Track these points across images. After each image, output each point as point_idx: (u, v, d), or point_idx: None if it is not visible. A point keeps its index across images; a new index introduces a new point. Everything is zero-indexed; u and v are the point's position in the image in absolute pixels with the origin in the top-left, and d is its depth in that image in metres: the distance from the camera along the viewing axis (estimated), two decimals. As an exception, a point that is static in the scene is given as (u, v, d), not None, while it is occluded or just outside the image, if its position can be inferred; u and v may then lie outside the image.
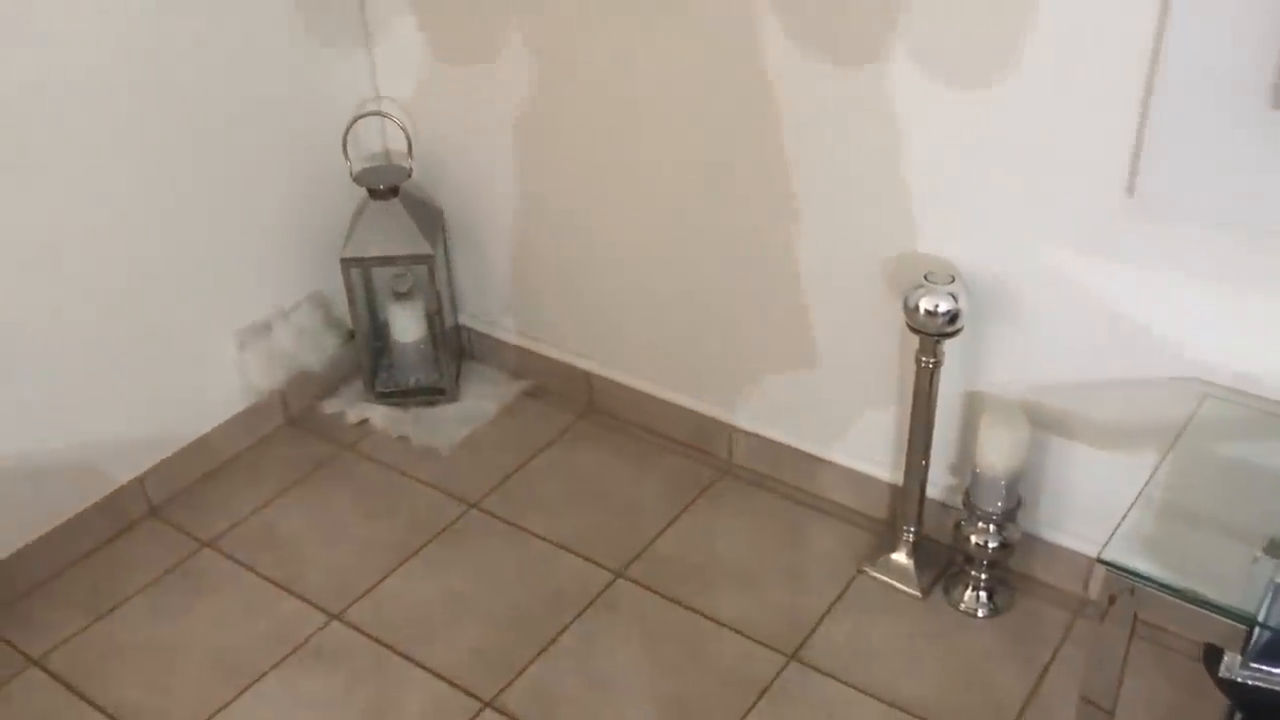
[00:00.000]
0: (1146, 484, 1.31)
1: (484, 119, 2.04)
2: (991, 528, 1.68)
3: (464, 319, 2.34)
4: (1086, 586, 1.74)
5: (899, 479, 1.82)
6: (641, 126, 1.84)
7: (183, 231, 1.92)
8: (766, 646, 1.70)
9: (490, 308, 2.28)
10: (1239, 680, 1.19)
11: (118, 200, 1.80)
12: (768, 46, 1.63)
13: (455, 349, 2.32)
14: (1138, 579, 1.20)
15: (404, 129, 2.11)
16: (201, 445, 2.05)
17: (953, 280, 1.58)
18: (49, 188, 1.71)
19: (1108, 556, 1.22)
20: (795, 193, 1.73)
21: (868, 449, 1.88)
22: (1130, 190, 1.43)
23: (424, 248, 2.07)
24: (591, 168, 1.95)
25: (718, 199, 1.82)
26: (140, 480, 1.97)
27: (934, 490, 1.81)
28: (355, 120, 2.09)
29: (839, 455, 1.92)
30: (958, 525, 1.73)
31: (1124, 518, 1.26)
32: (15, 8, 1.59)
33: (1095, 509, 1.64)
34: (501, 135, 2.03)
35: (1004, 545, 1.70)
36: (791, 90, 1.65)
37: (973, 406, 1.72)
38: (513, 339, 2.28)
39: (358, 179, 2.09)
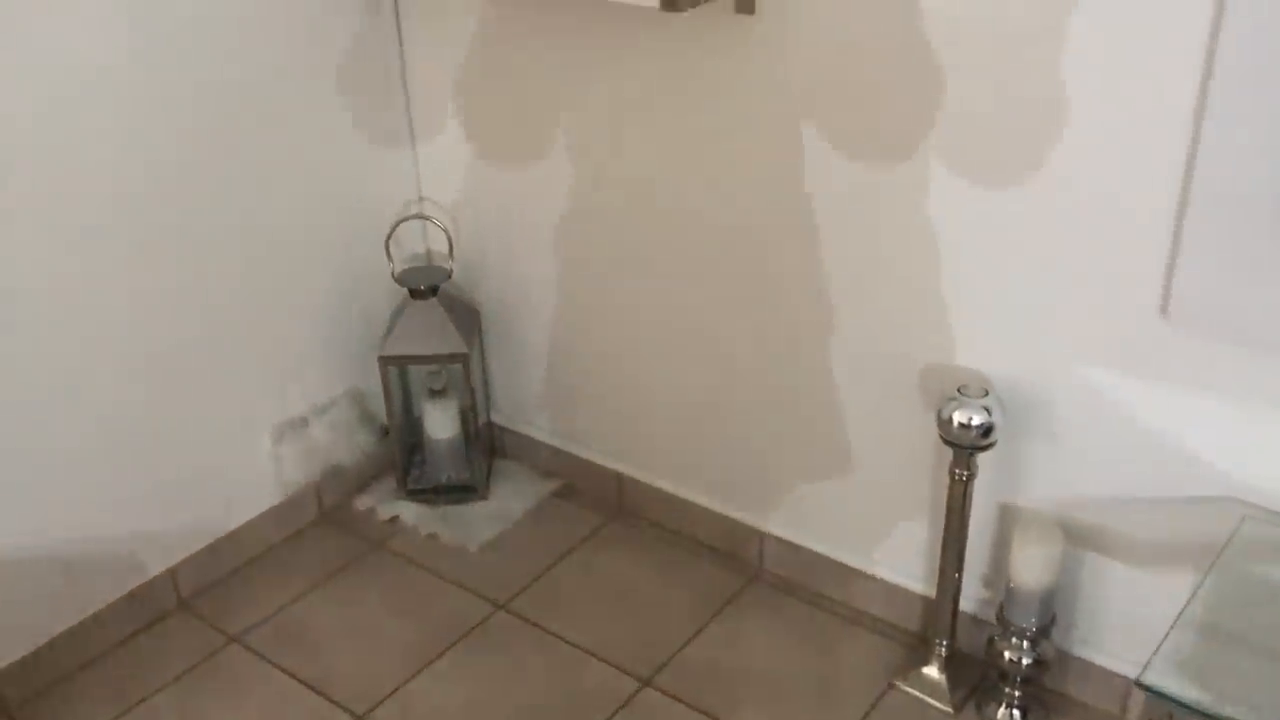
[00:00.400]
0: (1186, 605, 1.30)
1: (523, 221, 2.09)
2: (1025, 644, 1.66)
3: (496, 417, 2.36)
4: (1124, 708, 1.71)
5: (932, 591, 1.80)
6: (677, 230, 1.88)
7: (223, 324, 1.96)
8: (796, 761, 1.67)
9: (523, 406, 2.30)
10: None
11: (159, 291, 1.84)
12: (805, 151, 1.67)
13: (487, 447, 2.34)
14: (1178, 705, 1.18)
15: (445, 231, 2.16)
16: (234, 538, 2.06)
17: (986, 394, 1.58)
18: (90, 277, 1.75)
19: (1147, 680, 1.20)
20: (830, 299, 1.75)
21: (900, 559, 1.87)
22: (1164, 308, 1.44)
23: (460, 347, 2.11)
24: (627, 270, 1.99)
25: (753, 303, 1.85)
26: (171, 572, 1.97)
27: (967, 604, 1.79)
28: (399, 223, 2.14)
29: (871, 565, 1.91)
30: (991, 640, 1.70)
31: (1164, 640, 1.24)
32: (70, 105, 1.65)
33: (1132, 628, 1.62)
34: (540, 237, 2.07)
35: (1038, 662, 1.67)
36: (827, 195, 1.69)
37: (1007, 520, 1.71)
38: (544, 438, 2.29)
39: (399, 279, 2.13)
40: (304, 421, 2.14)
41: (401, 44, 2.08)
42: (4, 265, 1.64)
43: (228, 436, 2.02)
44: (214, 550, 2.03)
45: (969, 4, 1.44)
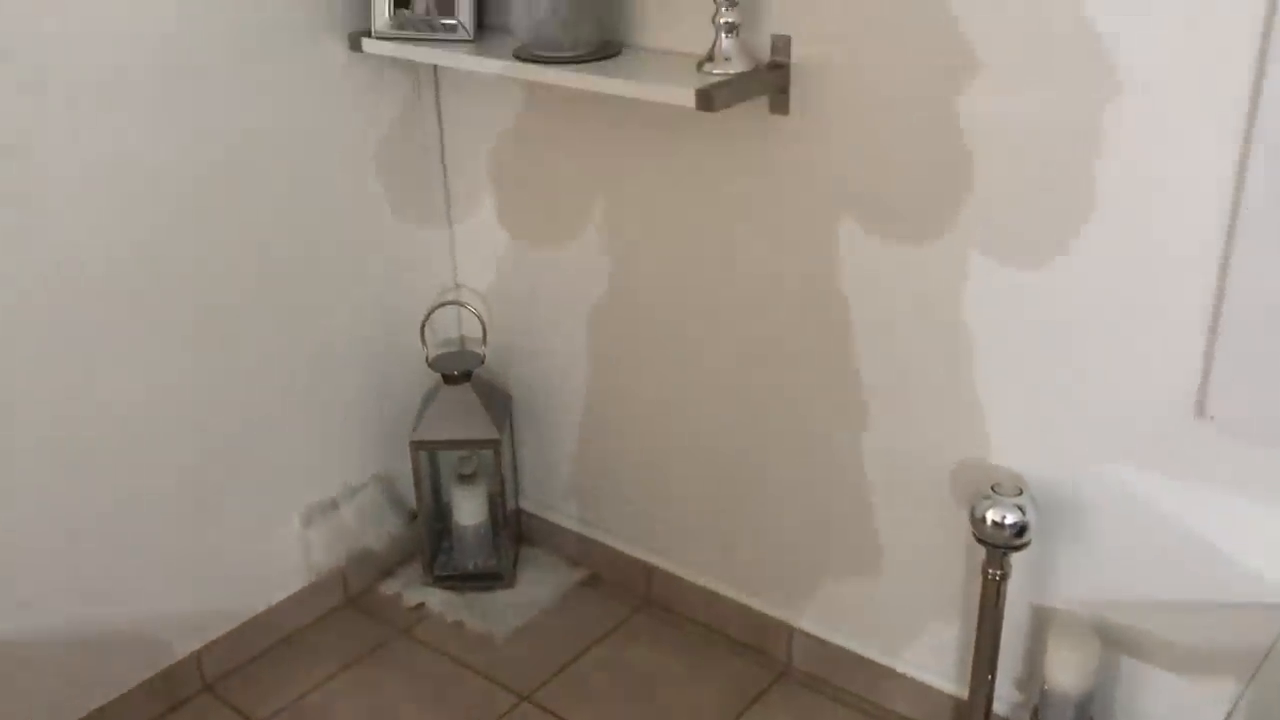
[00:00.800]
0: (1230, 716, 1.27)
1: (555, 307, 2.11)
2: (1062, 751, 1.62)
3: (524, 503, 2.35)
4: (1164, 820, 1.66)
5: (963, 692, 1.77)
6: (708, 322, 1.90)
7: (257, 405, 1.98)
8: None
9: (551, 493, 2.30)
10: None
11: (194, 371, 1.87)
12: (837, 246, 1.69)
13: (514, 534, 2.33)
14: (1223, 821, 1.15)
15: (480, 317, 2.19)
16: (260, 621, 2.06)
17: (1020, 493, 1.57)
18: (122, 354, 1.77)
19: (1190, 795, 1.17)
20: (861, 394, 1.75)
21: (931, 658, 1.84)
22: (1200, 409, 1.44)
23: (491, 433, 2.12)
24: (658, 359, 2.00)
25: (784, 395, 1.85)
26: (197, 655, 1.97)
27: (1000, 706, 1.76)
28: (434, 309, 2.17)
29: (901, 663, 1.88)
30: (1026, 746, 1.67)
31: (1206, 753, 1.21)
32: (104, 184, 1.70)
33: (1172, 737, 1.58)
34: (571, 325, 2.10)
35: (1075, 770, 1.63)
36: (859, 290, 1.70)
37: (1041, 622, 1.69)
38: (572, 526, 2.28)
39: (433, 364, 2.15)
40: (334, 504, 2.14)
41: (442, 130, 2.13)
42: (45, 339, 1.67)
43: (258, 518, 2.03)
44: (240, 633, 2.03)
45: (1002, 101, 1.47)
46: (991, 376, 1.62)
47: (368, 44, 1.89)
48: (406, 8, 1.87)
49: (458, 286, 2.25)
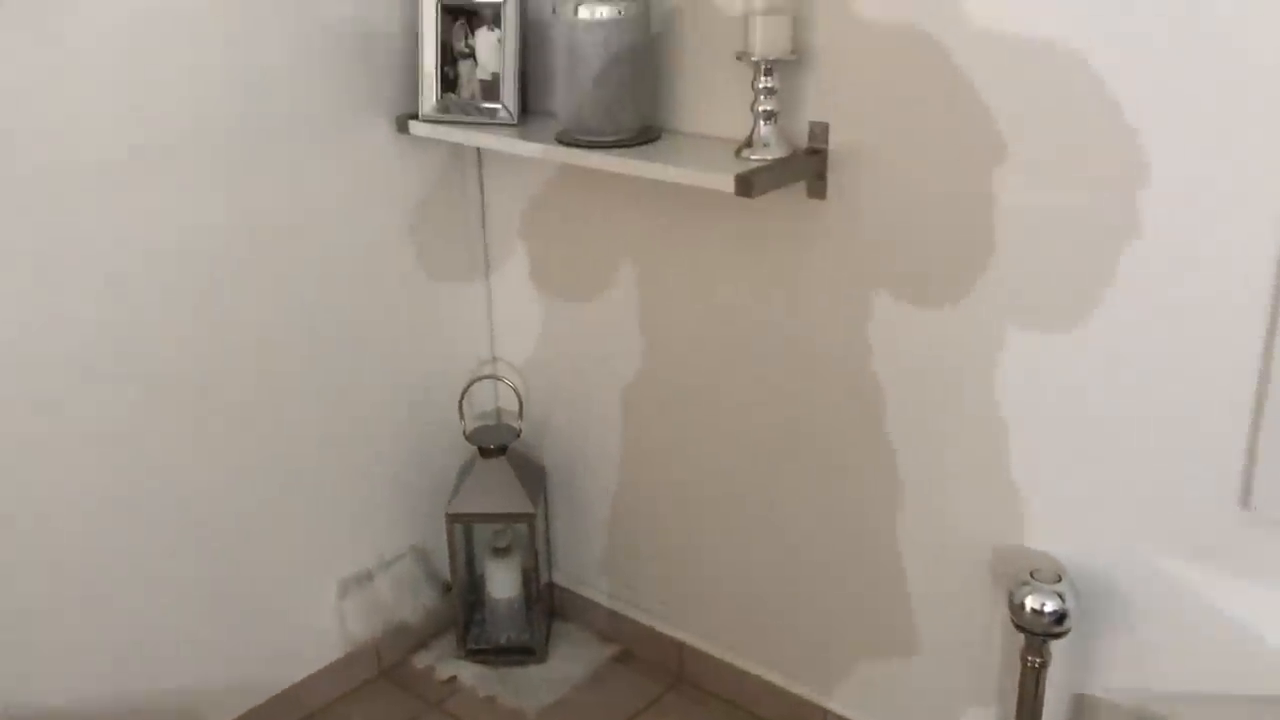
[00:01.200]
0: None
1: (591, 382, 2.13)
2: (1104, 845, 1.59)
3: (557, 577, 2.35)
4: None
5: (1002, 781, 1.74)
6: (742, 400, 1.91)
7: (295, 476, 2.00)
8: None
9: (584, 568, 2.30)
10: None
11: (231, 441, 1.89)
12: (871, 327, 1.70)
13: (547, 608, 2.33)
14: None
15: (516, 391, 2.21)
16: (292, 694, 2.06)
17: (1059, 579, 1.56)
18: (160, 424, 1.80)
19: None
20: (896, 475, 1.75)
21: (969, 746, 1.81)
22: (1245, 500, 1.43)
23: (527, 507, 2.13)
24: (691, 435, 2.01)
25: (818, 473, 1.85)
26: (230, 727, 1.98)
27: (1040, 797, 1.73)
28: (471, 383, 2.20)
29: (938, 750, 1.86)
30: (1067, 839, 1.63)
31: None
32: (147, 256, 1.73)
33: (1217, 834, 1.55)
34: (606, 397, 2.11)
35: None
36: (893, 370, 1.71)
37: (1081, 711, 1.66)
38: (605, 601, 2.28)
39: (470, 437, 2.17)
40: (369, 576, 2.15)
41: (484, 207, 2.17)
42: (83, 408, 1.70)
43: (294, 589, 2.05)
44: (272, 706, 2.03)
45: (1033, 187, 1.49)
46: (1028, 459, 1.61)
47: (415, 126, 1.94)
48: (453, 92, 1.92)
49: (495, 359, 2.28)
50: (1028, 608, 1.55)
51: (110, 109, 1.63)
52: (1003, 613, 1.64)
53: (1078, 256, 1.48)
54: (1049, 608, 1.54)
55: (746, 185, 1.57)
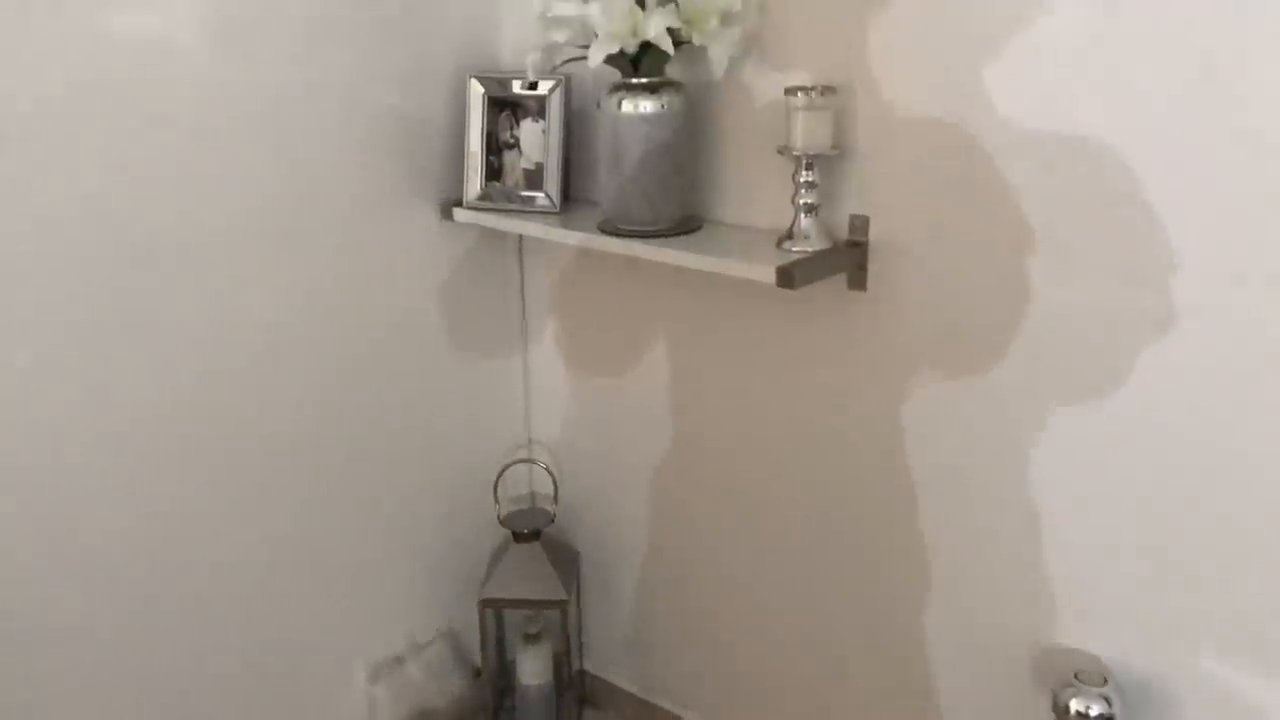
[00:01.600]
0: None
1: (623, 468, 2.13)
2: None
3: (588, 664, 2.33)
4: None
5: None
6: (773, 488, 1.90)
7: (326, 556, 1.99)
8: None
9: (615, 655, 2.28)
10: None
11: (265, 522, 1.89)
12: (906, 418, 1.70)
13: (578, 695, 2.30)
14: None
15: (551, 473, 2.21)
16: (320, 779, 2.04)
17: (1105, 682, 1.53)
18: (191, 509, 1.81)
19: None
20: (930, 568, 1.73)
21: None
22: (1296, 604, 1.40)
23: (560, 593, 2.11)
24: (721, 526, 1.99)
25: (849, 564, 1.83)
26: (255, 812, 1.95)
27: None
28: (506, 467, 2.20)
29: None
30: None
31: None
32: (184, 339, 1.76)
33: None
34: (638, 482, 2.11)
35: None
36: (928, 457, 1.70)
37: (1129, 819, 1.61)
38: (635, 690, 2.25)
39: (504, 521, 2.17)
40: (400, 660, 2.14)
41: (523, 293, 2.19)
42: (118, 494, 1.72)
43: (324, 671, 2.03)
44: (299, 791, 2.01)
45: (1078, 290, 1.49)
46: (1066, 554, 1.59)
47: (459, 213, 1.97)
48: (497, 180, 1.96)
49: (530, 442, 2.28)
50: (1073, 710, 1.51)
51: (173, 196, 1.67)
52: (1041, 714, 1.60)
53: (1114, 344, 1.47)
54: (1095, 711, 1.50)
55: (788, 277, 1.58)
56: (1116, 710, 1.51)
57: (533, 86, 1.91)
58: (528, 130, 1.93)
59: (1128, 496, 1.51)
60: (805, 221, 1.64)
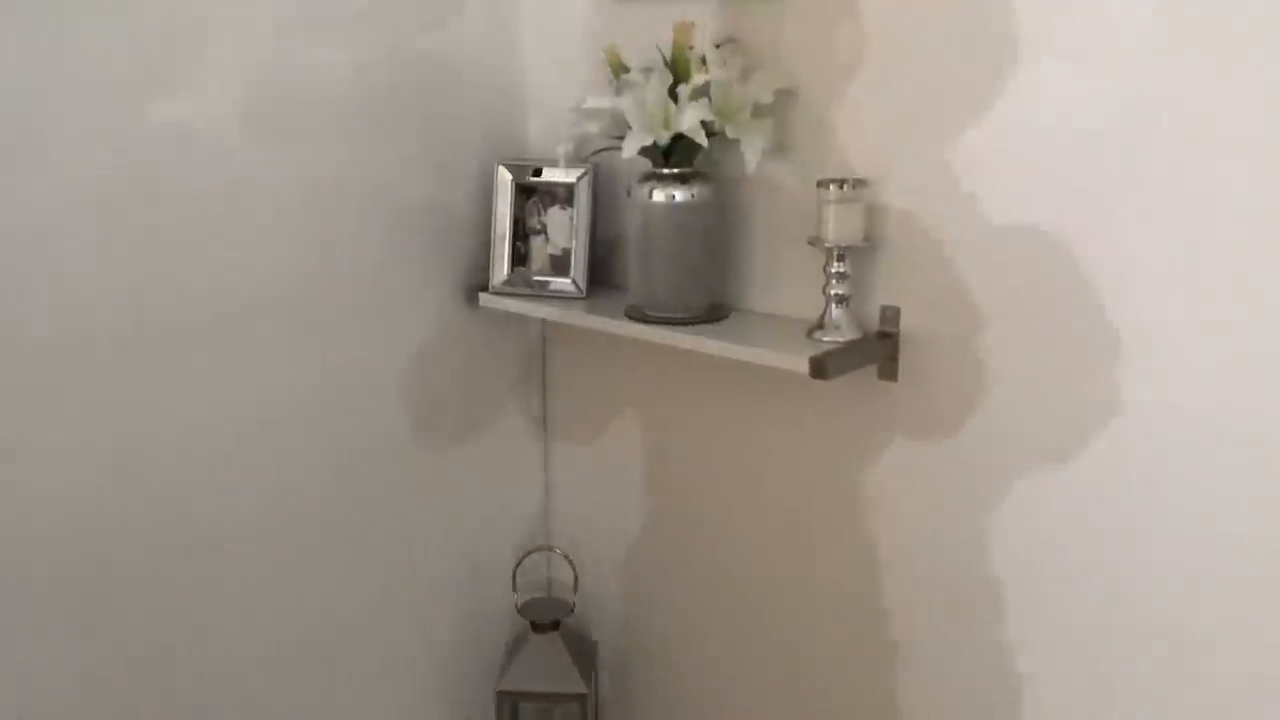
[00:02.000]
0: None
1: (639, 559, 2.10)
2: None
3: (605, 758, 2.27)
4: None
5: None
6: (792, 590, 1.87)
7: (341, 648, 1.95)
8: None
9: (634, 750, 2.22)
10: None
11: (275, 621, 1.86)
12: (944, 511, 1.67)
13: (595, 792, 2.23)
14: None
15: (570, 561, 2.17)
16: None
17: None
18: (205, 604, 1.78)
19: None
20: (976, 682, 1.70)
21: None
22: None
23: (580, 687, 2.06)
24: (736, 621, 1.96)
25: (881, 671, 1.79)
26: None
27: None
28: (525, 555, 2.16)
29: None
30: None
31: None
32: (203, 424, 1.76)
33: None
34: (652, 573, 2.08)
35: None
36: (970, 562, 1.67)
37: None
38: (652, 785, 2.19)
39: (522, 610, 2.13)
40: (414, 754, 2.09)
41: (545, 383, 2.18)
42: (132, 584, 1.69)
43: (337, 766, 1.98)
44: None
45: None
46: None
47: (484, 298, 1.97)
48: (524, 265, 1.96)
49: (549, 530, 2.25)
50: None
51: (203, 278, 1.68)
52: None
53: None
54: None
55: (820, 368, 1.57)
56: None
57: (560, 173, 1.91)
58: (555, 217, 1.94)
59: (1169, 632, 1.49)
60: (836, 312, 1.64)
